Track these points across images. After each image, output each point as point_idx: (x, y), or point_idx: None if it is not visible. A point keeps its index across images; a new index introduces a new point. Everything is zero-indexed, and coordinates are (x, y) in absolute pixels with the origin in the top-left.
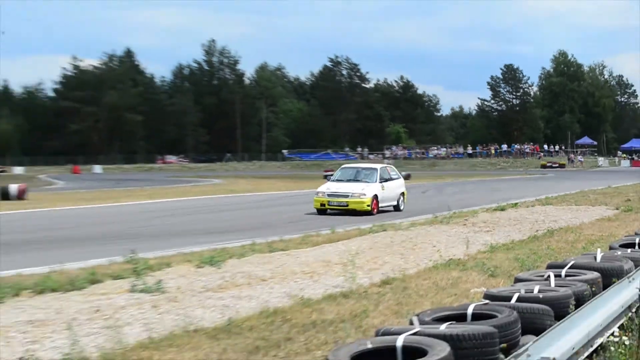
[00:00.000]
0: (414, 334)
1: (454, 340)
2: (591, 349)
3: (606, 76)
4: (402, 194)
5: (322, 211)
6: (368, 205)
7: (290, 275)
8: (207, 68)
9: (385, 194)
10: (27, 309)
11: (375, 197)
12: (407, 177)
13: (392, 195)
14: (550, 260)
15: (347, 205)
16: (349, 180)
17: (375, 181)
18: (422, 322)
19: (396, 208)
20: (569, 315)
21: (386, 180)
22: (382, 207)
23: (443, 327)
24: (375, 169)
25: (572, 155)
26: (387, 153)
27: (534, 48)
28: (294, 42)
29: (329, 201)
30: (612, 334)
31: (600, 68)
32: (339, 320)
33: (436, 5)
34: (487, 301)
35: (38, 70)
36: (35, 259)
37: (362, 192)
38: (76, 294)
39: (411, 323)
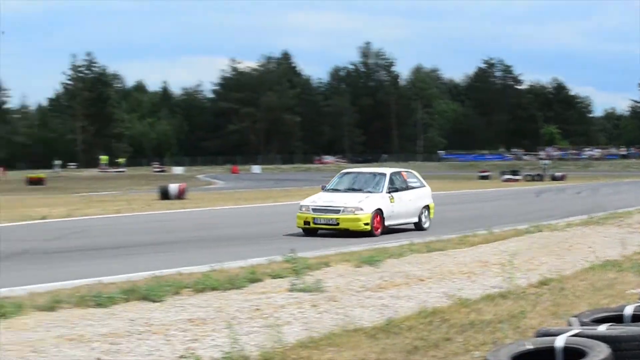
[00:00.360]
0: (574, 335)
1: (614, 341)
2: None
3: None
4: (427, 207)
5: (309, 231)
6: (366, 224)
7: (447, 275)
8: (363, 70)
9: (397, 208)
10: (188, 308)
11: (379, 212)
12: (562, 178)
13: (410, 209)
14: None
15: (338, 224)
16: (347, 190)
17: (381, 191)
18: (580, 323)
19: (417, 226)
20: None
21: (398, 189)
22: (392, 225)
23: (602, 328)
24: (384, 175)
25: None
26: (542, 154)
27: None
28: (448, 45)
29: (314, 218)
30: None
31: None
32: (497, 320)
33: (588, 7)
34: None
35: (197, 72)
36: (195, 257)
37: (358, 205)
38: (236, 293)
39: (569, 324)
